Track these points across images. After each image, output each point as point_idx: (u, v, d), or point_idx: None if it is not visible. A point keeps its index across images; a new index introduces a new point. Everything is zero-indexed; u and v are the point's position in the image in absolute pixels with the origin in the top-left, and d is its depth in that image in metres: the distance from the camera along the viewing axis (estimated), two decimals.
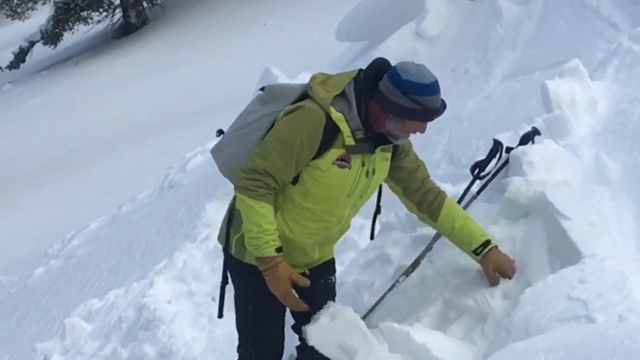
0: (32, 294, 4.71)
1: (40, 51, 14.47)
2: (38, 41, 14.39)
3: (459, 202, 2.17)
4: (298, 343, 1.96)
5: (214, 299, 3.08)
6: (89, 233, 5.37)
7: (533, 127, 2.29)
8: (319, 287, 1.92)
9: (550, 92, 2.37)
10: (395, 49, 3.97)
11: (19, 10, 15.48)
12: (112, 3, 14.52)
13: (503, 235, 2.01)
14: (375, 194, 1.93)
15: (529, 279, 1.91)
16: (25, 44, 14.56)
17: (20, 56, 14.49)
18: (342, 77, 1.77)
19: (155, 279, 3.37)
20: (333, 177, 1.76)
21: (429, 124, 1.80)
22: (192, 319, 3.03)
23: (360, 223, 2.92)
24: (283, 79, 4.53)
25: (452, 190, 2.26)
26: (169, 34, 12.82)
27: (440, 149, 3.13)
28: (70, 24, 14.37)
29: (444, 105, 1.77)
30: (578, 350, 1.35)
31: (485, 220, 2.06)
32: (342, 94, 1.75)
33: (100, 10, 14.49)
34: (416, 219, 2.05)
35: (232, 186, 1.84)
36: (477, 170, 2.23)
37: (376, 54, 3.98)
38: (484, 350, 1.82)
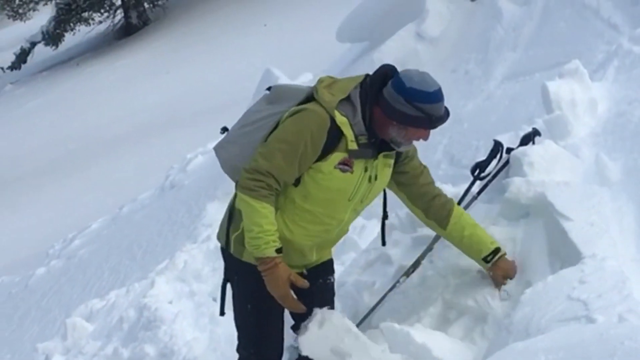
0: (33, 294, 4.72)
1: (42, 52, 14.49)
2: (39, 42, 14.40)
3: (460, 202, 2.18)
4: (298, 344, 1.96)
5: (215, 299, 3.08)
6: (90, 233, 5.38)
7: (533, 128, 2.30)
8: (317, 287, 1.93)
9: (550, 93, 2.38)
10: (396, 50, 3.97)
11: (20, 11, 15.50)
12: (113, 4, 14.53)
13: (503, 236, 2.02)
14: (378, 200, 1.93)
15: (529, 279, 1.92)
16: (26, 45, 14.58)
17: (22, 57, 14.52)
18: (348, 82, 1.79)
19: (156, 279, 3.37)
20: (334, 180, 1.77)
21: None
22: (193, 319, 3.03)
23: (361, 224, 2.93)
24: (284, 79, 4.54)
25: (452, 190, 2.26)
26: (170, 34, 12.84)
27: (441, 150, 3.13)
28: (71, 24, 14.38)
29: (447, 113, 1.78)
30: (578, 350, 1.36)
31: (486, 220, 2.07)
32: (348, 99, 1.76)
33: (102, 11, 14.50)
34: (417, 219, 2.05)
35: (232, 187, 1.84)
36: (477, 171, 2.24)
37: (377, 54, 3.99)
38: (484, 351, 1.82)
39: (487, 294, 1.95)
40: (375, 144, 1.79)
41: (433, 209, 1.93)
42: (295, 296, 1.79)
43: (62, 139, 9.14)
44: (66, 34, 14.44)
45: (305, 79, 4.97)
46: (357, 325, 2.14)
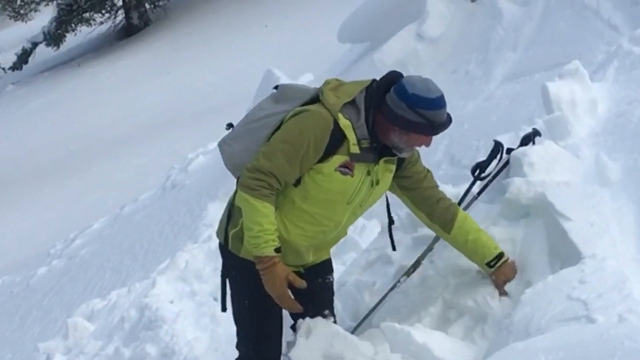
0: (34, 293, 4.73)
1: (43, 52, 14.51)
2: (41, 42, 14.42)
3: (460, 202, 2.18)
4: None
5: (215, 299, 3.09)
6: (92, 233, 5.39)
7: (533, 128, 2.30)
8: (317, 286, 1.94)
9: (550, 94, 2.38)
10: (397, 51, 3.98)
11: (21, 11, 15.51)
12: (114, 4, 14.54)
13: (504, 236, 2.02)
14: (379, 200, 1.93)
15: (530, 279, 1.92)
16: (28, 45, 14.60)
17: (23, 57, 14.53)
18: (354, 86, 1.79)
19: (157, 279, 3.38)
20: (334, 182, 1.78)
21: None
22: (194, 318, 3.04)
23: (361, 224, 2.94)
24: (285, 80, 4.54)
25: (453, 191, 2.26)
26: (171, 35, 12.85)
27: (441, 150, 3.14)
28: (72, 25, 14.40)
29: (449, 120, 1.79)
30: (578, 350, 1.36)
31: (486, 220, 2.07)
32: (352, 102, 1.77)
33: (103, 11, 14.52)
34: (417, 219, 2.05)
35: (233, 187, 1.85)
36: (477, 171, 2.24)
37: (377, 55, 4.00)
38: (484, 350, 1.83)
39: (487, 294, 1.95)
40: (377, 149, 1.79)
41: (437, 212, 1.93)
42: (292, 296, 1.80)
43: (63, 139, 9.16)
44: (67, 35, 14.45)
45: (306, 80, 4.98)
46: (358, 325, 2.15)
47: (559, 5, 3.58)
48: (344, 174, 1.77)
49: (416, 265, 2.12)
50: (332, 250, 2.02)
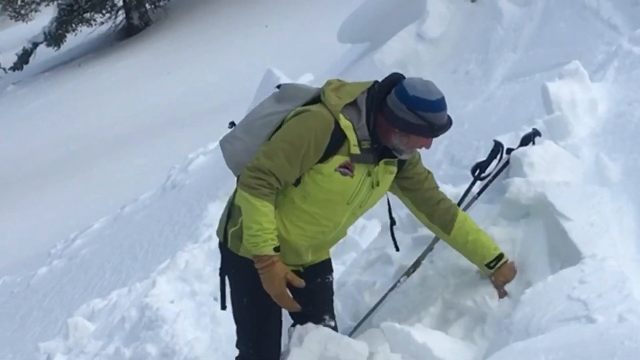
0: (35, 293, 4.73)
1: (44, 53, 14.52)
2: (41, 43, 14.43)
3: (460, 202, 2.18)
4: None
5: (216, 299, 3.09)
6: (92, 233, 5.40)
7: (533, 129, 2.30)
8: (316, 286, 1.94)
9: (550, 94, 2.38)
10: (397, 51, 3.98)
11: (22, 11, 15.52)
12: (115, 5, 14.55)
13: (503, 236, 2.02)
14: (381, 204, 1.94)
15: (530, 279, 1.92)
16: (28, 46, 14.60)
17: (24, 57, 14.54)
18: (356, 87, 1.80)
19: (157, 279, 3.39)
20: (334, 183, 1.78)
21: None
22: (194, 318, 3.05)
23: (361, 224, 2.94)
24: (285, 80, 4.55)
25: (453, 191, 2.27)
26: (172, 35, 12.86)
27: (441, 150, 3.14)
28: (73, 25, 14.41)
29: (449, 122, 1.79)
30: (578, 350, 1.36)
31: (486, 221, 2.07)
32: (354, 103, 1.77)
33: (103, 12, 14.53)
34: (417, 220, 2.05)
35: (234, 187, 1.85)
36: (477, 171, 2.24)
37: (378, 55, 4.00)
38: (484, 350, 1.83)
39: (486, 294, 1.96)
40: (378, 150, 1.80)
41: (437, 213, 1.94)
42: (291, 295, 1.80)
43: (63, 139, 9.16)
44: (68, 35, 14.46)
45: (306, 80, 4.98)
46: (358, 325, 2.15)
47: (559, 6, 3.58)
48: (344, 174, 1.77)
49: (416, 265, 2.12)
50: (332, 250, 2.02)
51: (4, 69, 14.47)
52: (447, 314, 2.02)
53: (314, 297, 1.92)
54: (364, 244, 2.70)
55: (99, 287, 4.25)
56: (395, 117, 1.75)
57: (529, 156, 2.13)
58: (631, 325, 1.48)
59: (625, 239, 1.91)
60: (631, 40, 2.78)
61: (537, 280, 1.84)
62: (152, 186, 5.65)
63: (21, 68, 14.51)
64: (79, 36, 14.55)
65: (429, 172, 1.96)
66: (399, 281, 2.12)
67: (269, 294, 1.78)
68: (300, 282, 1.79)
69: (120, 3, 14.49)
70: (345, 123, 1.75)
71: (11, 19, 16.19)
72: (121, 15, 14.62)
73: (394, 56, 3.93)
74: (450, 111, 1.83)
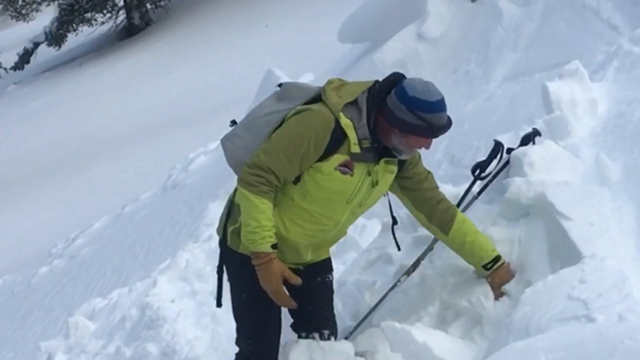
0: (36, 293, 4.74)
1: (45, 52, 14.54)
2: (42, 42, 14.45)
3: (460, 202, 2.18)
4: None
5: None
6: (93, 233, 5.40)
7: (533, 128, 2.30)
8: (316, 285, 1.94)
9: (550, 94, 2.38)
10: (397, 51, 3.98)
11: (23, 11, 15.54)
12: (115, 5, 14.57)
13: (503, 236, 2.03)
14: (381, 204, 1.94)
15: (530, 279, 1.93)
16: (29, 45, 14.63)
17: (25, 57, 14.56)
18: (357, 86, 1.80)
19: (158, 279, 3.39)
20: (334, 181, 1.78)
21: None
22: (195, 318, 3.05)
23: (362, 223, 2.94)
24: (285, 80, 4.54)
25: (453, 190, 2.27)
26: (172, 35, 12.87)
27: (441, 150, 3.14)
28: (74, 25, 14.43)
29: (449, 123, 1.80)
30: (578, 349, 1.36)
31: (486, 220, 2.07)
32: (354, 103, 1.78)
33: (104, 11, 14.55)
34: (416, 219, 2.06)
35: (234, 185, 1.86)
36: (478, 171, 2.24)
37: (378, 55, 4.00)
38: (484, 350, 1.83)
39: (481, 294, 1.96)
40: (378, 149, 1.80)
41: (436, 213, 1.94)
42: (287, 292, 1.80)
43: (64, 139, 9.18)
44: (69, 35, 14.49)
45: (307, 80, 4.98)
46: (358, 325, 2.16)
47: (559, 6, 3.58)
48: (344, 173, 1.78)
49: (416, 264, 2.12)
50: (332, 249, 2.03)
51: (5, 68, 14.50)
52: (445, 314, 2.02)
53: (314, 296, 1.93)
54: (364, 244, 2.70)
55: (100, 287, 4.26)
56: (394, 118, 1.76)
57: (529, 156, 2.13)
58: (631, 324, 1.49)
59: (625, 239, 1.91)
60: (631, 40, 2.78)
61: (537, 280, 1.84)
62: (153, 186, 5.65)
63: (22, 68, 14.53)
64: (80, 36, 14.57)
65: (429, 172, 1.96)
66: (399, 280, 2.12)
67: (265, 291, 1.79)
68: (296, 280, 1.79)
69: (121, 3, 14.51)
70: (345, 122, 1.76)
71: (12, 18, 16.20)
72: (122, 15, 14.64)
73: (394, 56, 3.93)
74: (450, 111, 1.83)
